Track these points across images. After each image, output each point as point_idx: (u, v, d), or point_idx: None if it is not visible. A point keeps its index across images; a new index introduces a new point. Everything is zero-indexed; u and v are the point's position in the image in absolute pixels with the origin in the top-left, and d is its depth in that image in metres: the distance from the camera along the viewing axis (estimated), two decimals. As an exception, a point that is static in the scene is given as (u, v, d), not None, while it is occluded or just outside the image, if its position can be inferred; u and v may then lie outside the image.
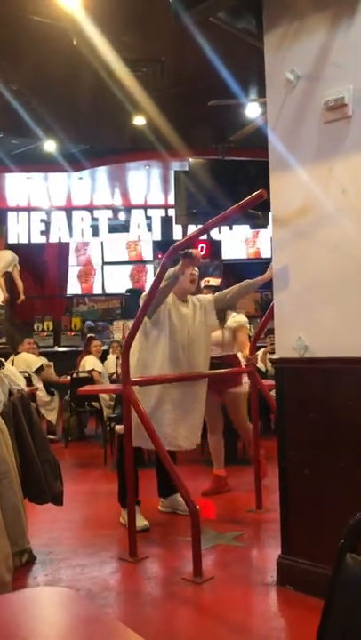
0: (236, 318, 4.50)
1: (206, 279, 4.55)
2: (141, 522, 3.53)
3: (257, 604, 2.66)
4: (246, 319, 4.68)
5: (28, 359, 6.85)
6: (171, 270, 3.35)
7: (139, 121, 7.08)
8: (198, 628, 2.46)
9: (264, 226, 10.93)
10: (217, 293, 3.95)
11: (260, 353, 6.50)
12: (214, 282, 4.45)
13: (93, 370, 6.64)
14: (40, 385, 6.76)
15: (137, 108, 6.60)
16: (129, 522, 3.20)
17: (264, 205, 6.21)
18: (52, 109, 6.90)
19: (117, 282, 11.77)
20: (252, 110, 6.50)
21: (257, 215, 4.88)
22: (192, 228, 9.06)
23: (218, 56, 4.83)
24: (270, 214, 2.86)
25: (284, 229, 2.84)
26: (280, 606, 2.64)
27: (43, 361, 7.08)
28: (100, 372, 6.70)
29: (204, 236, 10.71)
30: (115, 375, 7.06)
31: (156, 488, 4.02)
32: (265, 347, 6.81)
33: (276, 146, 2.85)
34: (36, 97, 6.57)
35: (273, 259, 2.86)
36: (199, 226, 3.47)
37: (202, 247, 9.94)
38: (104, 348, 8.05)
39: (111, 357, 7.67)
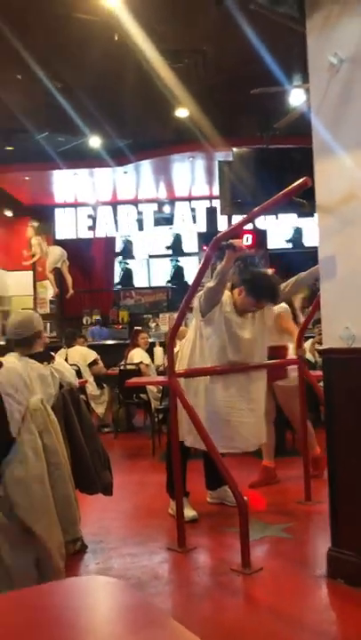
0: (273, 308, 4.43)
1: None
2: (190, 512, 3.56)
3: (307, 597, 2.64)
4: (287, 306, 4.59)
5: (82, 352, 6.97)
6: (219, 267, 3.32)
7: (181, 113, 7.07)
8: (247, 620, 2.47)
9: (311, 214, 10.81)
10: None
11: (308, 343, 6.41)
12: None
13: (141, 362, 6.70)
14: (91, 379, 6.87)
15: (179, 100, 6.59)
16: (177, 513, 3.23)
17: (310, 193, 6.10)
18: (96, 105, 6.97)
19: (163, 274, 11.84)
20: (296, 97, 6.38)
21: (302, 203, 4.79)
22: (237, 219, 8.99)
23: (259, 43, 4.77)
24: (316, 202, 2.81)
25: (329, 217, 2.78)
26: (331, 600, 2.61)
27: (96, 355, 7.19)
28: (147, 365, 6.75)
29: (250, 226, 10.63)
30: (162, 367, 7.10)
31: (204, 480, 4.04)
32: (313, 337, 6.71)
33: (319, 132, 2.80)
34: (80, 93, 6.65)
35: (319, 247, 2.82)
36: (244, 216, 3.43)
37: (247, 237, 9.85)
38: (150, 340, 8.11)
39: (158, 349, 7.71)
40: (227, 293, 3.58)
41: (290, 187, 2.65)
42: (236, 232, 3.52)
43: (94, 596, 1.05)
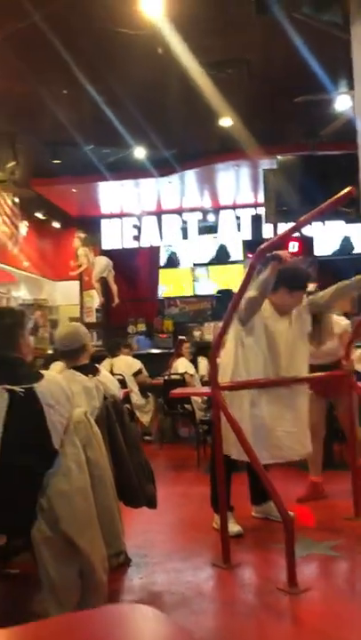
0: (338, 324, 4.34)
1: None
2: (234, 527, 3.50)
3: (357, 620, 2.55)
4: (347, 321, 4.51)
5: (127, 362, 7.00)
6: (261, 276, 3.28)
7: (226, 122, 7.06)
8: (294, 642, 2.40)
9: (359, 220, 10.60)
10: (310, 297, 3.81)
11: (357, 354, 6.25)
12: (310, 286, 4.31)
13: (186, 372, 6.69)
14: (136, 388, 6.89)
15: (223, 109, 6.58)
16: (221, 528, 3.18)
17: (356, 201, 5.97)
18: (141, 117, 7.04)
19: (207, 283, 11.82)
20: (341, 103, 6.28)
21: (348, 212, 4.70)
22: (282, 227, 8.91)
23: (304, 51, 4.71)
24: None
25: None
26: (381, 623, 2.51)
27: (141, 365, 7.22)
28: (192, 375, 6.74)
29: (296, 233, 10.50)
30: (206, 377, 7.07)
31: (249, 494, 3.97)
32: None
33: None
34: (125, 106, 6.73)
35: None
36: (290, 224, 3.37)
37: (293, 245, 9.73)
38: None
39: (202, 360, 7.68)
40: (266, 301, 3.55)
41: (335, 197, 2.59)
42: (281, 242, 3.45)
43: (134, 628, 1.02)
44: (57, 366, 4.38)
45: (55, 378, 2.85)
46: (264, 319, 3.48)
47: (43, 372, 2.82)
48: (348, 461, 4.83)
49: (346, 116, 5.87)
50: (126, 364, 6.90)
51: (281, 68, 5.58)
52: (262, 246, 3.17)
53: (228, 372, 3.64)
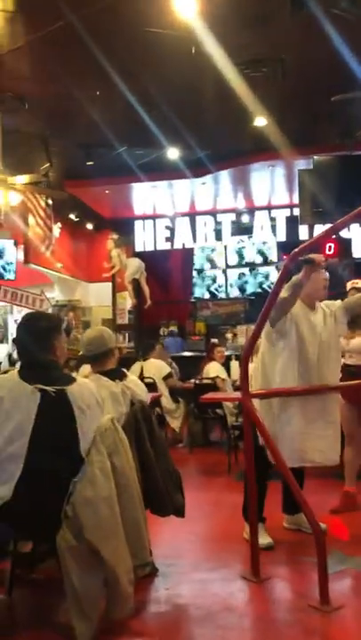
0: None
1: (354, 281, 4.34)
2: (265, 539, 3.41)
3: (391, 643, 2.42)
4: None
5: (157, 365, 6.93)
6: (294, 278, 3.19)
7: (260, 122, 6.93)
8: (325, 664, 2.29)
9: None
10: (348, 299, 3.70)
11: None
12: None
13: (217, 377, 6.60)
14: (166, 392, 6.82)
15: (258, 109, 6.47)
16: (251, 540, 3.09)
17: None
18: (174, 117, 6.98)
19: (241, 285, 11.71)
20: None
21: None
22: (318, 228, 8.72)
23: (341, 48, 4.58)
24: None
25: None
26: None
27: (171, 369, 7.16)
28: (223, 379, 6.64)
29: (333, 235, 10.28)
30: (238, 382, 6.97)
31: (282, 502, 3.87)
32: None
33: None
34: (158, 106, 6.69)
35: None
36: (326, 225, 3.27)
37: (330, 246, 9.53)
38: (227, 353, 8.00)
39: (235, 364, 7.58)
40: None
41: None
42: (317, 245, 3.34)
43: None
44: (85, 369, 4.35)
45: (87, 383, 2.82)
46: (295, 314, 3.40)
47: (75, 376, 2.79)
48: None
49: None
50: (156, 367, 6.83)
51: (317, 65, 5.43)
52: (297, 249, 3.08)
53: (258, 376, 3.56)
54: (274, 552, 3.39)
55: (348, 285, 4.30)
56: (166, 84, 6.16)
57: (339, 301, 3.68)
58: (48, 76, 6.03)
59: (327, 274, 3.51)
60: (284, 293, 3.27)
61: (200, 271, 11.95)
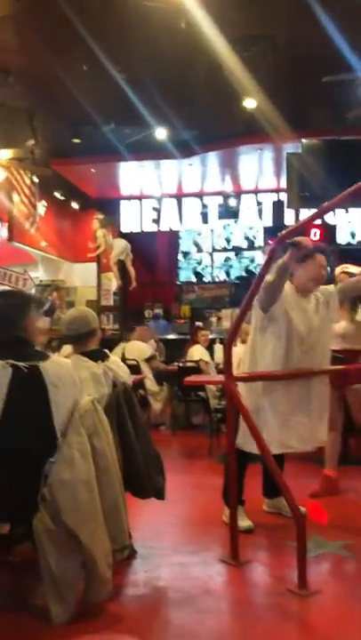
0: None
1: (344, 265, 4.30)
2: (245, 522, 3.40)
3: (368, 627, 2.43)
4: None
5: (139, 347, 6.90)
6: (280, 261, 3.15)
7: (250, 103, 6.84)
8: (302, 649, 2.29)
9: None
10: (340, 284, 3.66)
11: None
12: (354, 269, 4.13)
13: (201, 360, 6.57)
14: (150, 374, 6.79)
15: (248, 90, 6.38)
16: (231, 525, 3.07)
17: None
18: (162, 96, 6.86)
19: (226, 269, 11.66)
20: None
21: None
22: (305, 213, 8.68)
23: (333, 28, 4.49)
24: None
25: None
26: (395, 632, 2.39)
27: (153, 350, 7.12)
28: (207, 362, 6.63)
29: (318, 221, 10.25)
30: (222, 365, 6.95)
31: (262, 486, 3.87)
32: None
33: None
34: (147, 84, 6.56)
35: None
36: (312, 210, 3.22)
37: (315, 232, 9.50)
38: (211, 336, 7.98)
39: (219, 347, 7.57)
40: (288, 284, 3.41)
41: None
42: (303, 229, 3.29)
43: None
44: (66, 349, 4.30)
45: (62, 360, 2.77)
46: (286, 300, 3.35)
47: (50, 354, 2.73)
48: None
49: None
50: (138, 349, 6.79)
51: (308, 45, 5.33)
52: (283, 232, 3.03)
53: (246, 360, 3.53)
54: (253, 535, 3.39)
55: (338, 270, 4.27)
56: (155, 60, 6.04)
57: (332, 286, 3.64)
58: (34, 50, 5.87)
59: (324, 260, 3.45)
60: (270, 277, 3.23)
61: (186, 254, 11.87)
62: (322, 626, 2.42)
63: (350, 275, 4.01)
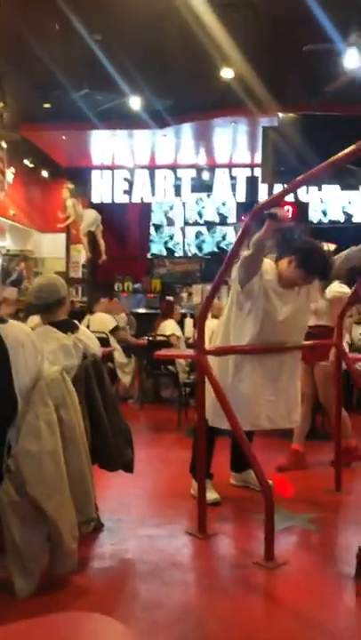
0: (333, 288, 4.17)
1: (323, 243, 4.26)
2: (212, 495, 3.40)
3: (334, 599, 2.45)
4: (347, 290, 4.29)
5: (103, 319, 6.83)
6: (256, 236, 3.09)
7: (227, 73, 6.69)
8: (267, 621, 2.30)
9: (356, 187, 10.33)
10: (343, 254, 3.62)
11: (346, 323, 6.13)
12: (328, 247, 4.10)
13: (173, 335, 6.53)
14: (117, 346, 6.74)
15: (225, 59, 6.23)
16: (199, 498, 3.06)
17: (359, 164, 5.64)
18: (137, 62, 6.65)
19: (198, 244, 11.57)
20: (350, 60, 5.94)
21: (355, 172, 4.47)
22: (278, 188, 8.62)
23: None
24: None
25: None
26: (359, 604, 2.42)
27: (118, 322, 7.05)
28: (178, 337, 6.59)
29: (291, 198, 10.22)
30: (191, 339, 6.93)
31: (229, 460, 3.87)
32: (351, 316, 6.40)
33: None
34: (120, 49, 6.35)
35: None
36: (286, 186, 3.15)
37: (288, 209, 9.46)
38: (182, 311, 7.94)
39: (189, 321, 7.53)
40: (269, 263, 3.35)
41: (349, 149, 2.36)
42: (277, 204, 3.23)
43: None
44: (33, 320, 4.18)
45: (22, 325, 2.68)
46: (265, 283, 3.29)
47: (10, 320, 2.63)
48: (330, 433, 4.76)
49: (352, 74, 5.56)
50: (102, 321, 6.71)
51: (288, 15, 5.20)
52: (258, 205, 2.97)
53: (219, 335, 3.49)
54: (220, 509, 3.39)
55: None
56: (130, 25, 5.83)
57: None
58: (2, 9, 5.59)
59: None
60: (247, 252, 3.17)
61: (158, 227, 11.72)
62: (288, 598, 2.43)
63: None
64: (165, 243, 11.70)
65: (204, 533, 2.99)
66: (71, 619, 0.90)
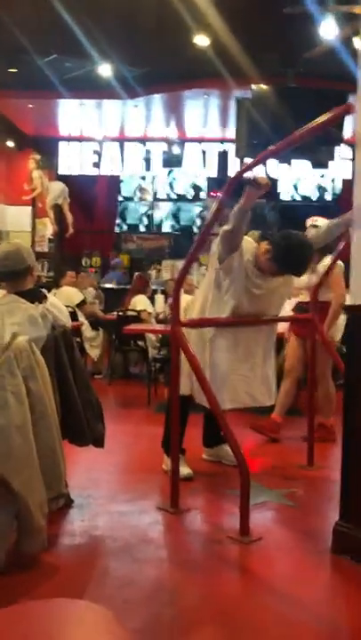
0: (325, 262, 4.11)
1: (313, 218, 4.19)
2: (185, 470, 3.33)
3: (309, 573, 2.42)
4: (342, 264, 4.23)
5: (69, 293, 6.67)
6: (236, 207, 2.98)
7: (201, 40, 6.48)
8: (242, 595, 2.25)
9: (325, 164, 10.29)
10: (320, 230, 3.54)
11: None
12: (322, 222, 4.02)
13: (145, 310, 6.41)
14: (85, 320, 6.60)
15: (200, 24, 6.02)
16: (172, 473, 2.98)
17: (330, 141, 5.63)
18: (107, 27, 6.39)
19: (168, 219, 11.39)
20: (326, 30, 5.81)
21: (335, 134, 4.41)
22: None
23: None
24: (356, 137, 2.44)
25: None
26: (334, 577, 2.39)
27: (85, 295, 6.90)
28: (150, 314, 6.48)
29: (263, 174, 10.12)
30: (161, 315, 6.83)
31: (202, 435, 3.81)
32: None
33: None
34: (90, 12, 6.08)
35: (354, 189, 2.47)
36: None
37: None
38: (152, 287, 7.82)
39: (160, 297, 7.42)
40: (250, 241, 3.26)
41: (330, 113, 2.28)
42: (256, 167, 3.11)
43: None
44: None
45: None
46: (246, 261, 3.19)
47: None
48: (302, 408, 4.75)
49: (329, 45, 5.45)
50: (68, 295, 6.55)
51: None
52: (237, 172, 2.87)
53: (195, 310, 3.39)
54: (193, 484, 3.33)
55: (308, 222, 4.19)
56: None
57: None
58: None
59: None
60: (227, 226, 3.07)
61: (127, 202, 11.48)
62: (263, 573, 2.39)
63: (318, 228, 3.94)
64: (134, 218, 11.49)
65: (176, 508, 2.93)
66: (54, 606, 0.81)
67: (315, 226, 3.99)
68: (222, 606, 2.13)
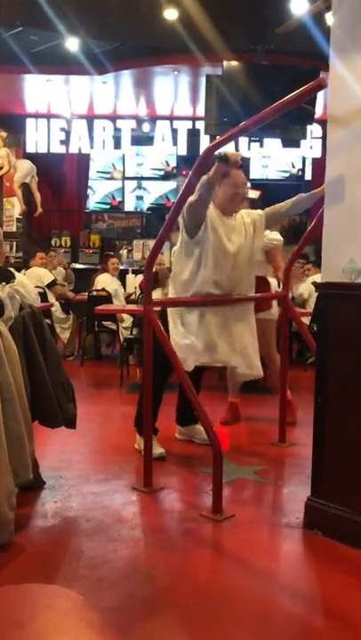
0: (270, 236, 4.11)
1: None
2: (157, 449, 3.33)
3: (281, 549, 2.45)
4: (281, 238, 4.28)
5: (40, 273, 6.59)
6: (204, 178, 2.94)
7: (170, 14, 6.35)
8: (216, 572, 2.27)
9: (297, 143, 10.29)
10: (270, 207, 3.50)
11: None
12: (253, 194, 4.01)
13: (104, 289, 6.34)
14: (55, 301, 6.52)
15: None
16: (145, 451, 2.98)
17: (303, 119, 5.62)
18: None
19: (138, 198, 11.26)
20: (297, 4, 5.75)
21: (308, 110, 4.39)
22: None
23: None
24: (328, 113, 2.42)
25: (341, 131, 2.41)
26: (307, 552, 2.42)
27: (55, 276, 6.81)
28: (108, 293, 6.41)
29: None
30: (133, 295, 6.78)
31: (175, 414, 3.80)
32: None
33: (340, 29, 2.38)
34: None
35: (327, 166, 2.45)
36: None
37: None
38: (122, 267, 7.75)
39: (131, 277, 7.36)
40: (211, 208, 3.23)
41: (304, 87, 2.25)
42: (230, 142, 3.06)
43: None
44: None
45: None
46: (212, 227, 3.18)
47: None
48: (269, 386, 4.79)
49: (301, 19, 5.39)
50: (38, 275, 6.47)
51: None
52: (209, 146, 2.82)
53: (175, 283, 3.36)
54: (166, 463, 3.33)
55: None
56: None
57: (258, 210, 3.49)
58: None
59: (241, 177, 3.26)
60: (193, 197, 3.03)
61: (97, 180, 11.31)
62: (237, 550, 2.41)
63: (249, 200, 3.92)
64: (104, 197, 11.32)
65: (149, 488, 2.93)
66: (24, 592, 0.78)
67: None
68: (197, 583, 2.14)
